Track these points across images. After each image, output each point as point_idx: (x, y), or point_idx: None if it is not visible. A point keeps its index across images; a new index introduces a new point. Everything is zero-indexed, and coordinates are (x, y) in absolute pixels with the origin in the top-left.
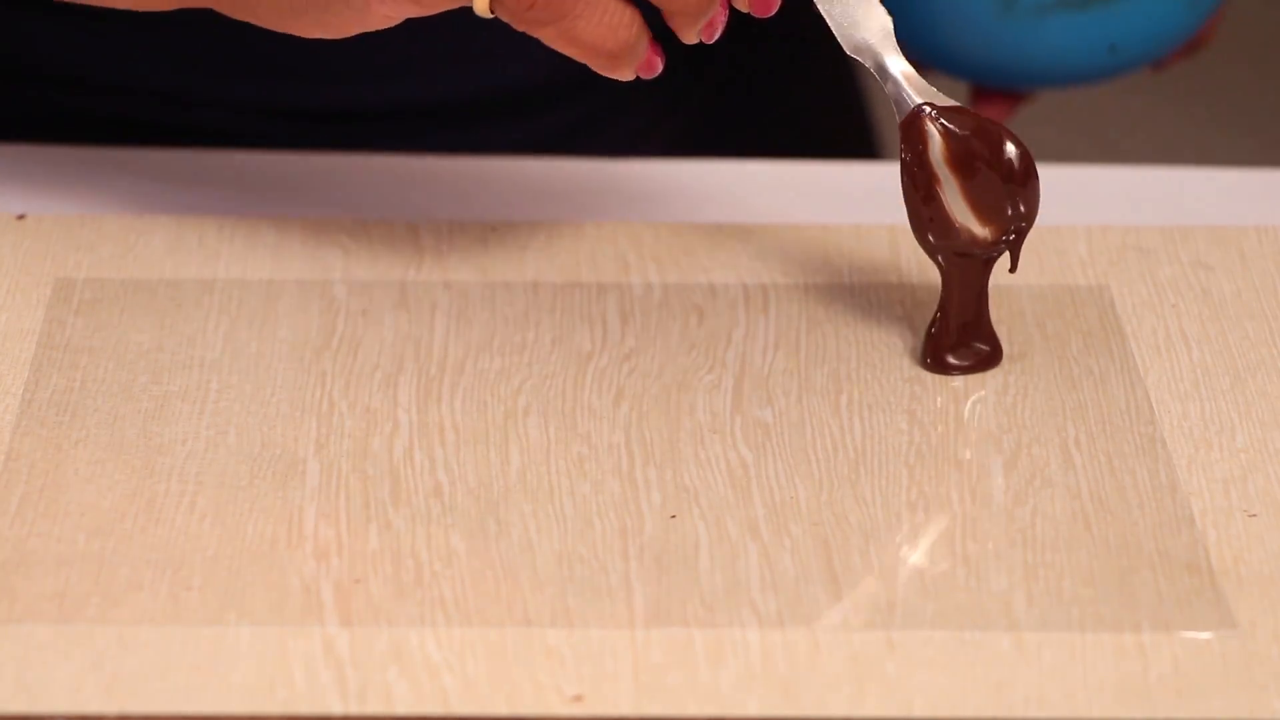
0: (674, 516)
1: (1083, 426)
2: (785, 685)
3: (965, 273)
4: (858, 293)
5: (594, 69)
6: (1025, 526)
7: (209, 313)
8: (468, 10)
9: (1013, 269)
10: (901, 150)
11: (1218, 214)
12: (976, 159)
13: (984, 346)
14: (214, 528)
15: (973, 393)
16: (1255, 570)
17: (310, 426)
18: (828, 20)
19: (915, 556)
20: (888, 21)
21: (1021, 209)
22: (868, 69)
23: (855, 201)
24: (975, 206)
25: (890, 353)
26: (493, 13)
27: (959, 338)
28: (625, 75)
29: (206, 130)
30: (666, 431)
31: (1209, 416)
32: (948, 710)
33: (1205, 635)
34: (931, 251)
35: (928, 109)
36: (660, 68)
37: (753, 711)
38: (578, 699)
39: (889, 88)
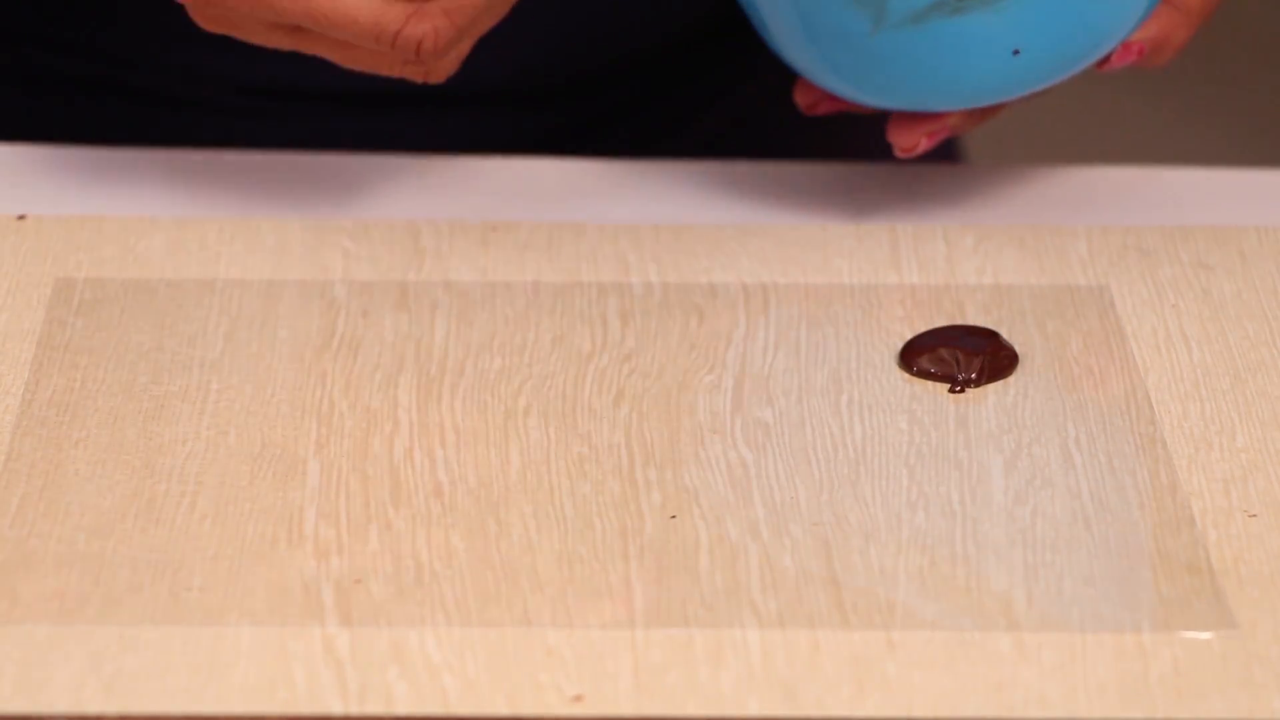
0: (674, 516)
1: (1083, 426)
2: (785, 685)
3: None
4: (858, 293)
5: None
6: (1025, 526)
7: (209, 313)
8: None
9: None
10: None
11: (1218, 214)
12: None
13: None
14: (214, 528)
15: (973, 393)
16: (1255, 570)
17: (310, 426)
18: None
19: (915, 556)
20: None
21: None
22: None
23: (855, 201)
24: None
25: (890, 353)
26: None
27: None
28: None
29: (207, 109)
30: (666, 431)
31: (1209, 416)
32: (948, 710)
33: (1205, 635)
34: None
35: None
36: None
37: (753, 711)
38: (578, 699)
39: None
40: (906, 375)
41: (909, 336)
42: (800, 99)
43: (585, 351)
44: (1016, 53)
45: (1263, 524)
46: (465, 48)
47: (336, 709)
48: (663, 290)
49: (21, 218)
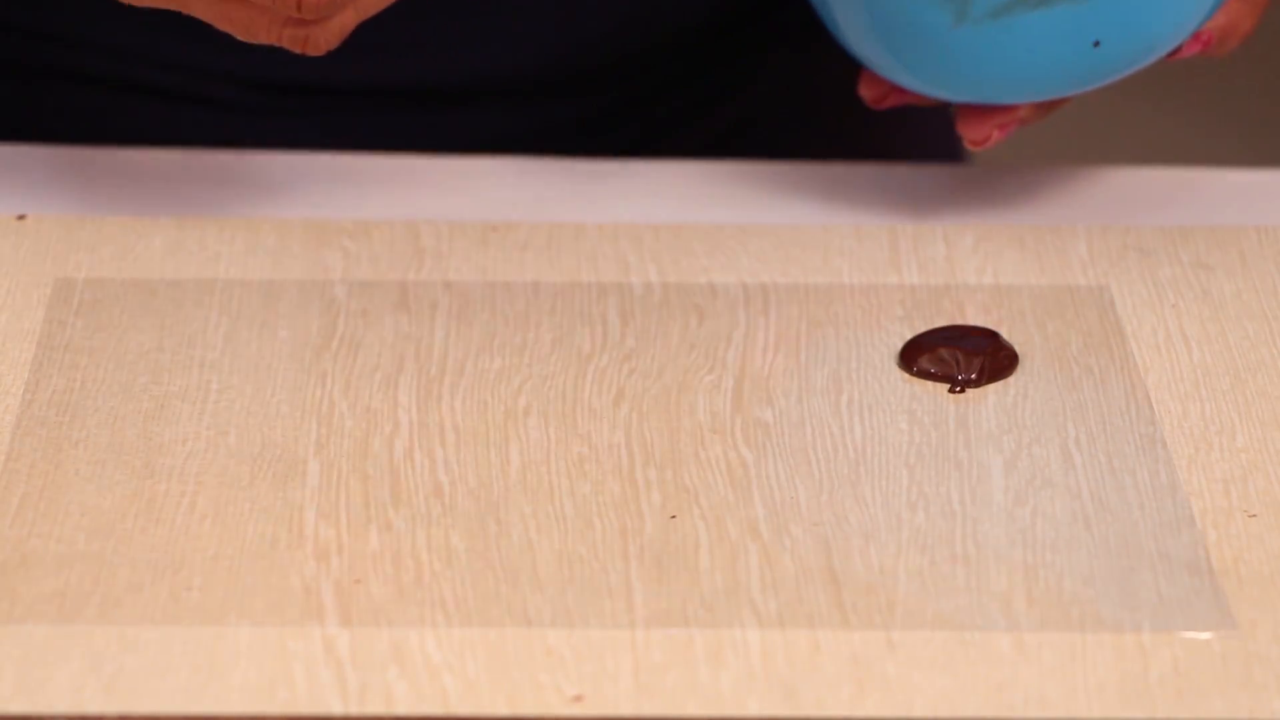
0: (674, 516)
1: (1083, 426)
2: (785, 685)
3: None
4: (858, 293)
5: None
6: (1025, 526)
7: (209, 313)
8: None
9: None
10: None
11: (1218, 214)
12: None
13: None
14: (214, 528)
15: (973, 393)
16: (1255, 570)
17: (310, 426)
18: None
19: (915, 556)
20: None
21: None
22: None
23: (855, 201)
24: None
25: (890, 353)
26: None
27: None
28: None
29: (207, 107)
30: (666, 431)
31: (1209, 416)
32: (948, 710)
33: (1205, 635)
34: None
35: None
36: None
37: (753, 711)
38: (578, 699)
39: None
40: (906, 375)
41: (909, 336)
42: (866, 92)
43: (585, 351)
44: (1097, 44)
45: (1263, 524)
46: (349, 20)
47: (336, 709)
48: (663, 290)
49: (21, 218)
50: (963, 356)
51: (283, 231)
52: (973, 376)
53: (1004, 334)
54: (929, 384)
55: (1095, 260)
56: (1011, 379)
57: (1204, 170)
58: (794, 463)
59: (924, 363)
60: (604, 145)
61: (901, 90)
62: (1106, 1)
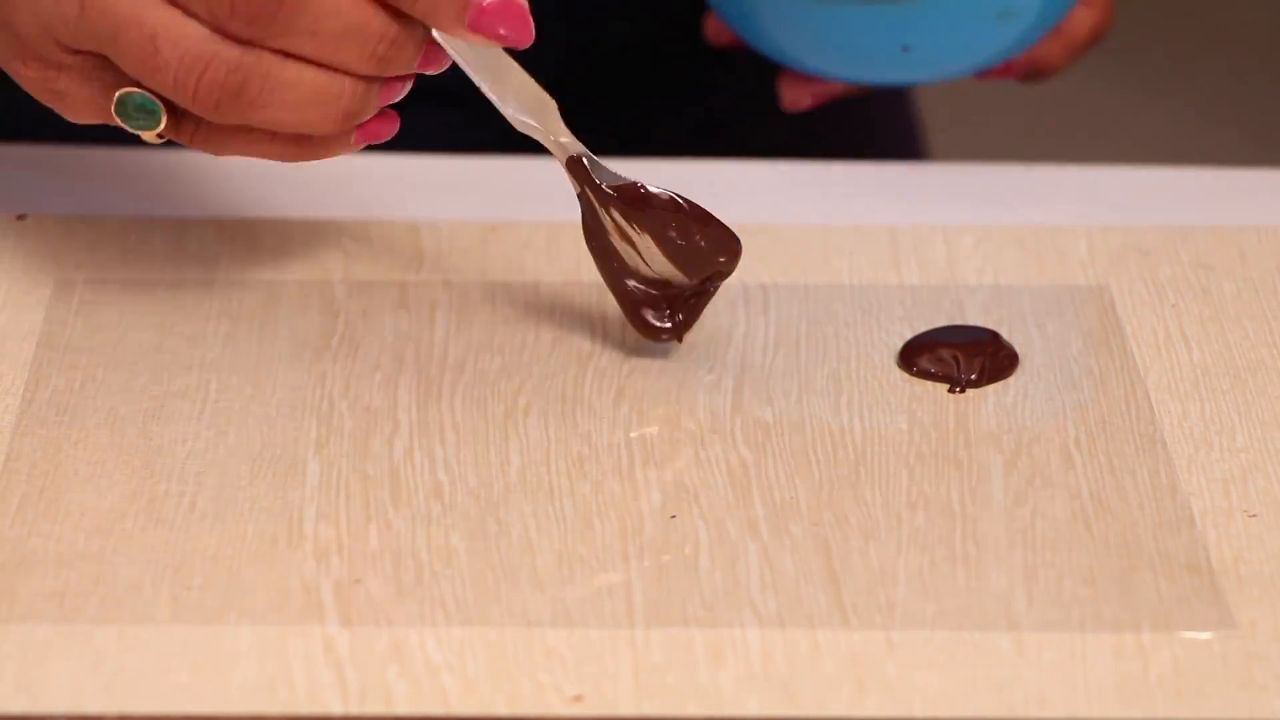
0: (674, 516)
1: (1083, 426)
2: (785, 685)
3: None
4: (858, 293)
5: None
6: (1025, 526)
7: (209, 313)
8: None
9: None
10: (583, 221)
11: (1218, 214)
12: (650, 225)
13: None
14: (214, 528)
15: (973, 393)
16: (1255, 570)
17: (310, 426)
18: (493, 100)
19: (915, 556)
20: (552, 105)
21: (717, 248)
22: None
23: (855, 201)
24: (674, 260)
25: (890, 353)
26: (167, 136)
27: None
28: (329, 153)
29: None
30: (666, 431)
31: (1209, 416)
32: (948, 710)
33: (1205, 635)
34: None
35: (597, 186)
36: (388, 133)
37: (753, 711)
38: (578, 699)
39: (564, 162)
40: (906, 375)
41: (909, 336)
42: (786, 93)
43: (585, 351)
44: (906, 49)
45: (1263, 524)
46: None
47: (336, 709)
48: None
49: (21, 218)
50: (963, 356)
51: (283, 231)
52: (972, 377)
53: (1004, 334)
54: (929, 384)
55: (1095, 260)
56: (1011, 379)
57: (1204, 170)
58: (794, 463)
59: (924, 363)
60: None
61: (817, 92)
62: (918, 11)
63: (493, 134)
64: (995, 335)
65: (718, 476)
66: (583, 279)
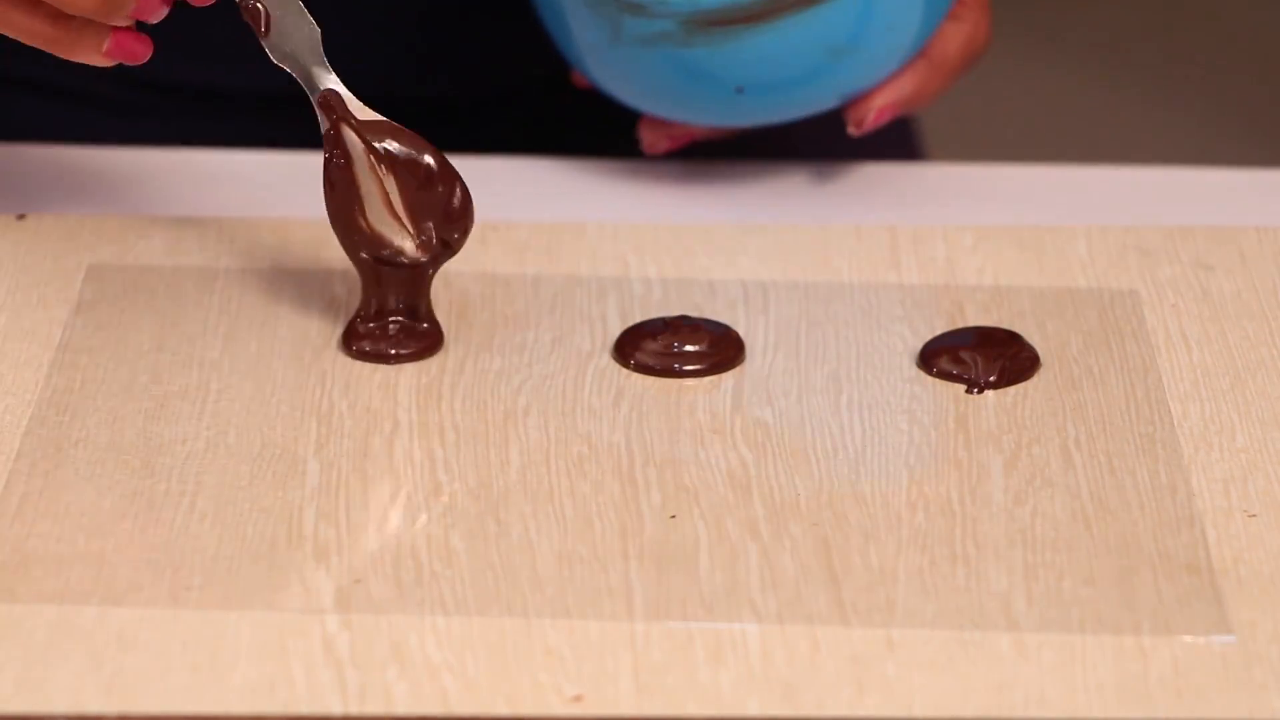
0: (674, 516)
1: (1083, 426)
2: (785, 685)
3: (393, 275)
4: (858, 293)
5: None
6: (1025, 526)
7: (209, 313)
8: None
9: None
10: (326, 159)
11: (1218, 214)
12: (398, 166)
13: (426, 326)
14: (214, 528)
15: (973, 393)
16: (1255, 570)
17: (310, 426)
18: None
19: (915, 556)
20: (316, 33)
21: (451, 222)
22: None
23: (855, 201)
24: (406, 214)
25: (890, 353)
26: None
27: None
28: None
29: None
30: (666, 431)
31: (1209, 416)
32: (948, 710)
33: (1205, 636)
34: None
35: (351, 120)
36: (141, 54)
37: (753, 711)
38: (578, 699)
39: (316, 99)
40: (907, 375)
41: (909, 336)
42: (644, 137)
43: (585, 351)
44: (740, 90)
45: (1263, 524)
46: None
47: (336, 709)
48: (662, 289)
49: (21, 217)
50: (983, 359)
51: (283, 231)
52: (991, 379)
53: None
54: (929, 384)
55: (1095, 260)
56: None
57: (1204, 170)
58: (794, 463)
59: (944, 364)
60: (590, 148)
61: (673, 136)
62: (747, 55)
63: (492, 137)
64: (1017, 337)
65: (718, 476)
66: (583, 278)
